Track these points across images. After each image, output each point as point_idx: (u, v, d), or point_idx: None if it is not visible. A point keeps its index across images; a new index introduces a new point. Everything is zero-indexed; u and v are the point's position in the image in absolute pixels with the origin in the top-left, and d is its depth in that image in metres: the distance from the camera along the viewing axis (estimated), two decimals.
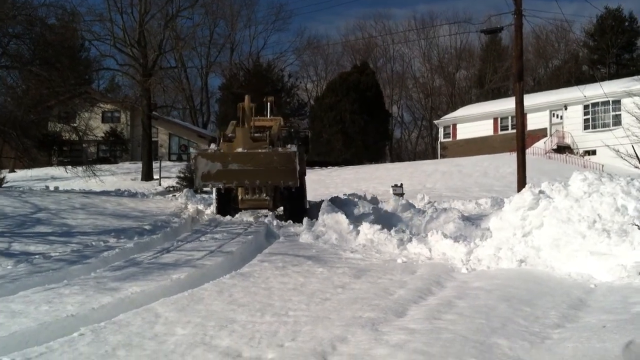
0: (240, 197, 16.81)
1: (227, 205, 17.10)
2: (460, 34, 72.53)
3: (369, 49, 76.54)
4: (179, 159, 52.63)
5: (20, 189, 23.06)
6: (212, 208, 17.91)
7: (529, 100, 36.80)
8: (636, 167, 20.62)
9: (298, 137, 19.45)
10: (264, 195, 16.55)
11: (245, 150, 15.42)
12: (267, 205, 17.00)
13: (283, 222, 16.16)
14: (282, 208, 18.04)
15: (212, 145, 16.67)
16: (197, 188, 18.01)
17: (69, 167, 28.57)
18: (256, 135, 16.00)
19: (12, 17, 22.13)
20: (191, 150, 16.66)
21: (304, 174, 18.95)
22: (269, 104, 19.97)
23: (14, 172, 42.05)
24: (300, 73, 74.06)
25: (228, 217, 16.85)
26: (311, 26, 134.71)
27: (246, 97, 16.50)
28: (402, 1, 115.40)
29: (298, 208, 16.49)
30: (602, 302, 7.42)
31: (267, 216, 16.85)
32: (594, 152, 41.74)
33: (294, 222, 15.64)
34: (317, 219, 14.45)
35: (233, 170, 15.41)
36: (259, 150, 15.46)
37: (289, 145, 15.67)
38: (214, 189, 17.24)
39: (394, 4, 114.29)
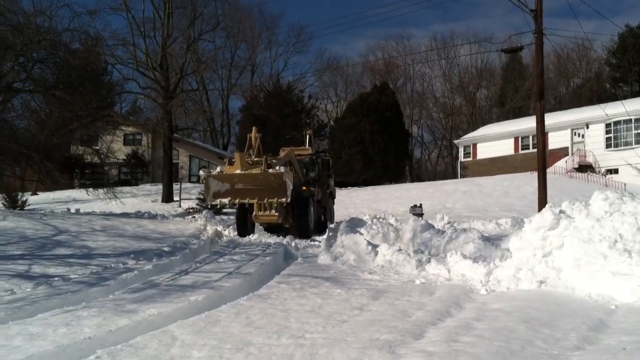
0: (254, 213, 18.78)
1: (244, 221, 19.03)
2: (480, 54, 72.49)
3: (389, 69, 76.66)
4: (199, 181, 52.82)
5: (42, 211, 23.29)
6: (230, 229, 19.21)
7: (550, 119, 36.56)
8: None
9: (320, 163, 21.86)
10: (274, 211, 18.51)
11: (243, 172, 17.62)
12: (277, 220, 18.89)
13: (302, 242, 16.69)
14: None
15: (219, 168, 18.84)
16: (208, 203, 20.49)
17: (91, 189, 28.73)
18: (255, 159, 18.12)
19: (37, 42, 22.48)
20: (200, 172, 19.17)
21: (333, 196, 22.94)
22: (308, 135, 23.30)
23: (37, 194, 42.43)
24: (320, 94, 74.25)
25: (247, 239, 17.72)
26: (331, 48, 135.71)
27: (253, 128, 19.06)
28: (422, 22, 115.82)
29: (301, 225, 18.68)
30: (623, 324, 7.31)
31: (285, 237, 17.20)
32: (616, 171, 41.29)
33: (299, 238, 17.73)
34: (335, 240, 14.44)
35: (238, 189, 17.95)
36: (254, 172, 17.65)
37: (278, 167, 17.44)
38: (235, 209, 19.55)
39: (415, 24, 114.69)
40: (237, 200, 18.16)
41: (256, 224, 19.77)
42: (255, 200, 17.93)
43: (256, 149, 18.56)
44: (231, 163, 18.13)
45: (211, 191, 18.12)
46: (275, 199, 17.58)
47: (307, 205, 18.96)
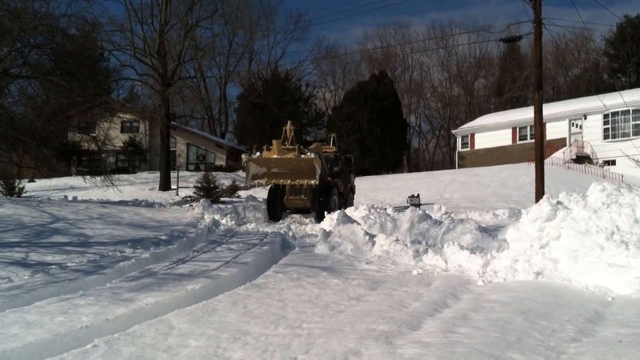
0: (286, 197, 21.13)
1: (274, 205, 21.15)
2: (479, 43, 72.43)
3: (387, 58, 76.51)
4: (197, 169, 52.78)
5: (39, 198, 23.25)
6: (227, 218, 19.47)
7: (548, 109, 36.52)
8: None
9: (343, 160, 24.27)
10: (303, 196, 20.94)
11: (279, 157, 19.84)
12: (305, 204, 21.10)
13: (299, 232, 16.90)
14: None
15: (258, 153, 20.88)
16: (247, 184, 22.84)
17: (88, 177, 28.64)
18: (289, 147, 20.26)
19: (34, 28, 22.30)
20: (243, 156, 22.44)
21: (353, 190, 25.68)
22: (332, 138, 25.90)
23: (34, 181, 42.43)
24: (318, 82, 74.20)
25: (244, 227, 18.16)
26: (329, 35, 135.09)
27: (289, 122, 21.49)
28: (420, 9, 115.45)
29: (324, 209, 19.98)
30: (619, 316, 7.33)
31: (283, 226, 17.31)
32: (613, 162, 41.35)
33: (324, 212, 19.03)
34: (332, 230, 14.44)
35: (274, 172, 20.23)
36: (288, 156, 19.89)
37: (309, 153, 19.80)
38: (267, 192, 21.94)
39: (413, 13, 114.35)
40: (272, 181, 20.59)
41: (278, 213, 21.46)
42: (288, 182, 20.20)
43: (290, 140, 20.65)
44: (269, 149, 20.32)
45: (250, 173, 20.41)
46: (306, 181, 19.79)
47: (331, 192, 21.12)
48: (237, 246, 13.30)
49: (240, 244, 13.69)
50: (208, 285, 9.09)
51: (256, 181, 20.84)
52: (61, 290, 8.63)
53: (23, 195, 25.64)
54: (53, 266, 10.23)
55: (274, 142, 20.21)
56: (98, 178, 28.08)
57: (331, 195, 21.15)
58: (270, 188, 21.47)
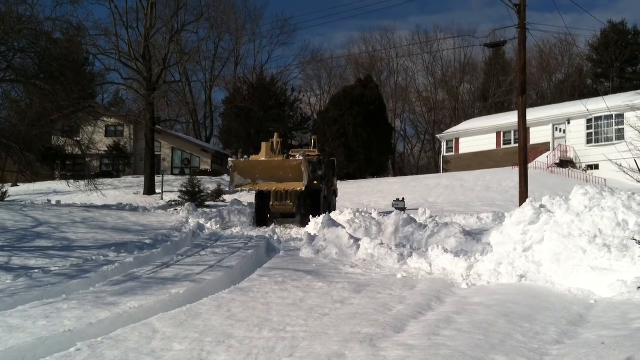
0: (271, 203, 20.72)
1: (263, 211, 21.13)
2: (464, 48, 72.75)
3: (373, 62, 76.65)
4: (182, 173, 52.58)
5: (22, 202, 23.08)
6: (212, 222, 19.55)
7: (532, 114, 36.81)
8: (638, 182, 20.55)
9: (326, 163, 24.46)
10: (288, 201, 20.61)
11: (267, 159, 20.08)
12: (291, 209, 20.82)
13: (284, 236, 16.91)
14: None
15: (245, 156, 21.09)
16: (231, 189, 22.92)
17: (72, 181, 28.47)
18: (277, 157, 20.56)
19: (18, 31, 22.16)
20: (229, 159, 21.60)
21: (336, 193, 25.85)
22: (313, 140, 26.54)
23: (17, 186, 42.06)
24: (303, 87, 74.11)
25: (229, 232, 18.09)
26: (315, 40, 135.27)
27: (275, 134, 22.48)
28: (403, 13, 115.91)
29: (313, 213, 19.73)
30: (602, 318, 7.38)
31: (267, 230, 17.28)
32: (596, 167, 41.65)
33: (313, 216, 18.63)
34: (317, 234, 14.45)
35: (260, 178, 20.22)
36: (276, 159, 20.14)
37: (297, 156, 20.22)
38: (254, 198, 21.79)
39: (398, 17, 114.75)
40: (257, 188, 20.56)
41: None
42: (273, 189, 20.09)
43: (277, 151, 21.36)
44: (257, 153, 20.60)
45: (235, 178, 20.41)
46: (292, 187, 19.84)
47: (319, 196, 21.21)
48: (222, 250, 13.27)
49: (225, 247, 13.67)
50: (192, 289, 9.06)
51: (240, 188, 20.99)
52: (44, 294, 8.58)
53: (6, 199, 25.45)
54: (36, 270, 10.15)
55: (263, 144, 20.41)
56: (82, 182, 27.92)
57: (320, 197, 21.18)
58: (257, 194, 21.26)
